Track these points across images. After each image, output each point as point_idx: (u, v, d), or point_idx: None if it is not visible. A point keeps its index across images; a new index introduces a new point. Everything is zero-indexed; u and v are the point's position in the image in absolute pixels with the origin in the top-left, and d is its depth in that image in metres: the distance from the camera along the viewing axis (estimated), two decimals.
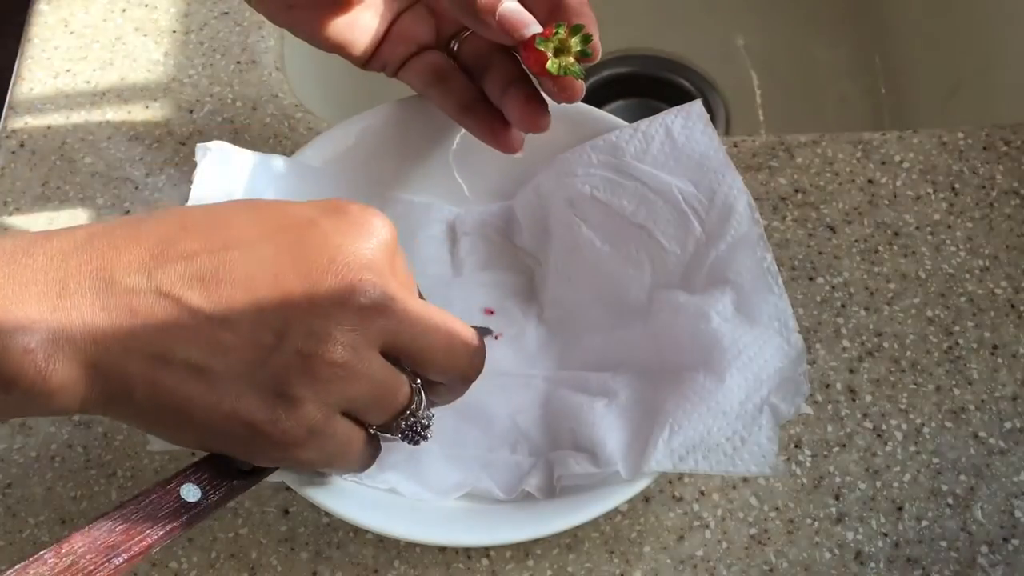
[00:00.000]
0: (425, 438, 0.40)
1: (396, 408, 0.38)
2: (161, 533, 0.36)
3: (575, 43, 0.44)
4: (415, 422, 0.39)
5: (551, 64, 0.44)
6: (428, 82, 0.50)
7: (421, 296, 0.41)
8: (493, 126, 0.49)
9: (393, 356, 0.37)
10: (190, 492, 0.37)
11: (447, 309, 0.54)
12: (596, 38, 0.44)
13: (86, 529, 0.34)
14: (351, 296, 0.35)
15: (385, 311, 0.36)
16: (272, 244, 0.35)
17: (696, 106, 0.51)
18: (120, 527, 0.35)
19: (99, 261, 0.33)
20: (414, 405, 0.39)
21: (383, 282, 0.36)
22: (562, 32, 0.43)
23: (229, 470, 0.39)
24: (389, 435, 0.40)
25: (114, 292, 0.33)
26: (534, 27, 0.43)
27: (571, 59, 0.44)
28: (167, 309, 0.33)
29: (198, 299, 0.34)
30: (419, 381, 0.39)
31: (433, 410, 0.41)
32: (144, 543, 0.35)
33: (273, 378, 0.35)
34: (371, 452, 0.40)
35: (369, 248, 0.37)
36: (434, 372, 0.39)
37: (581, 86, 0.45)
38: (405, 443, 0.40)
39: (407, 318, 0.37)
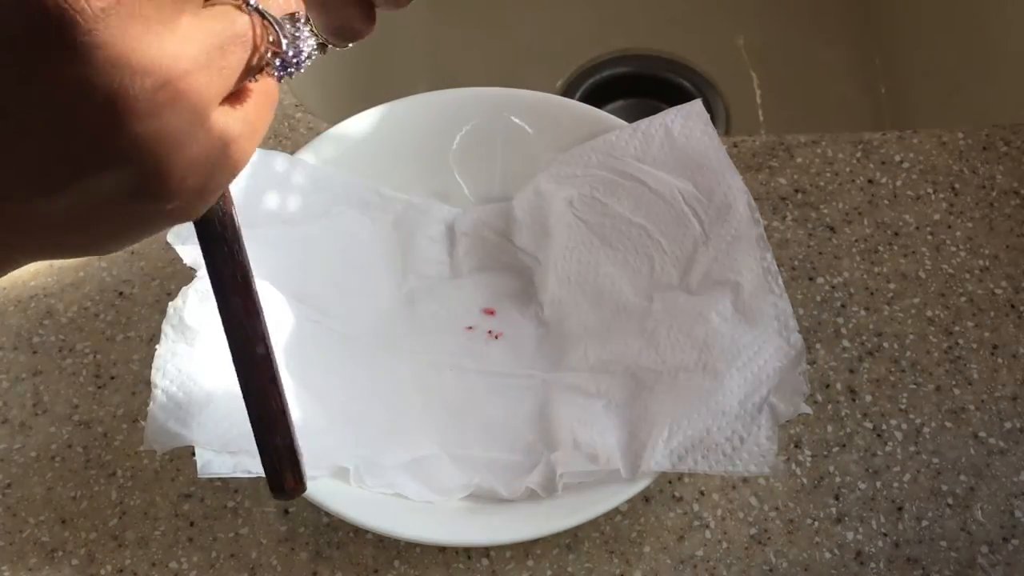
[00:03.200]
0: (310, 57, 0.30)
1: (250, 58, 0.27)
2: None
3: None
4: (284, 61, 0.29)
5: None
6: None
7: None
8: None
9: None
10: None
11: (446, 310, 0.54)
12: None
13: None
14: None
15: None
16: None
17: (696, 106, 0.51)
18: None
19: None
20: (269, 35, 0.28)
21: None
22: None
23: None
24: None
25: None
26: None
27: None
28: None
29: None
30: (251, 1, 0.27)
31: (297, 18, 0.29)
32: None
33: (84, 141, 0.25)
34: (272, 96, 0.30)
35: None
36: None
37: None
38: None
39: None
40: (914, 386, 0.51)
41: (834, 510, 0.48)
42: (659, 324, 0.49)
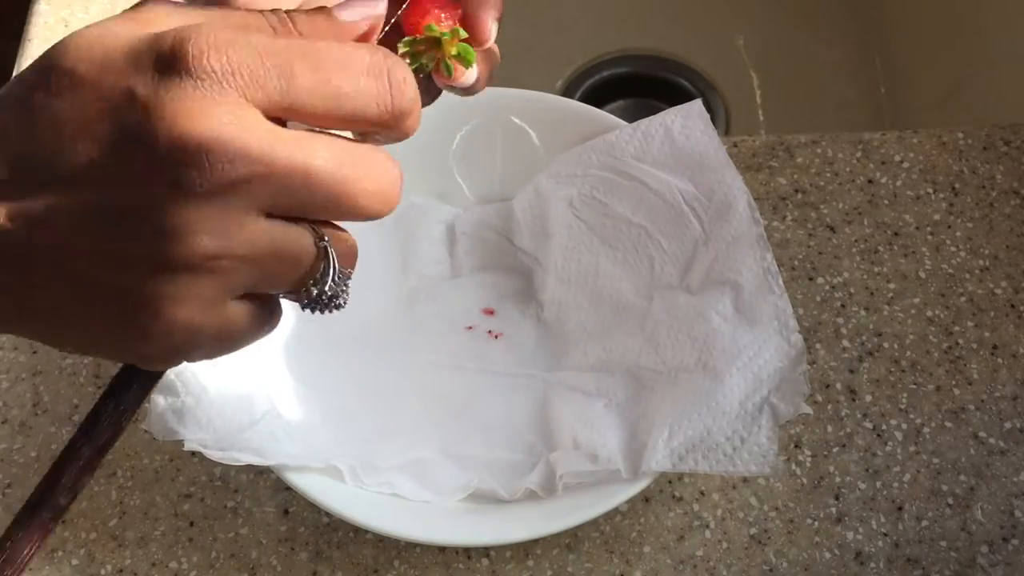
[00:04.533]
0: (339, 307, 0.32)
1: (297, 275, 0.31)
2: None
3: (452, 50, 0.35)
4: (319, 294, 0.32)
5: (404, 45, 0.35)
6: None
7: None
8: None
9: (279, 214, 0.30)
10: None
11: (446, 310, 0.54)
12: (472, 75, 0.36)
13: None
14: (194, 177, 0.27)
15: (246, 182, 0.28)
16: (92, 129, 0.28)
17: (696, 106, 0.51)
18: None
19: None
20: (320, 269, 0.31)
21: (234, 146, 0.28)
22: (445, 34, 0.35)
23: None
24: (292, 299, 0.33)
25: None
26: None
27: (432, 60, 0.36)
28: None
29: (4, 219, 0.28)
30: (327, 239, 0.31)
31: (348, 273, 0.32)
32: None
33: (132, 290, 0.29)
34: (268, 320, 0.33)
35: (202, 106, 0.27)
36: (336, 219, 0.32)
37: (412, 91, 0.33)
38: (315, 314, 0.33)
39: (278, 176, 0.29)
40: (914, 386, 0.51)
41: (834, 510, 0.48)
42: (659, 324, 0.49)
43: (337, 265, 0.32)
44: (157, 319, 0.29)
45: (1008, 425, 0.50)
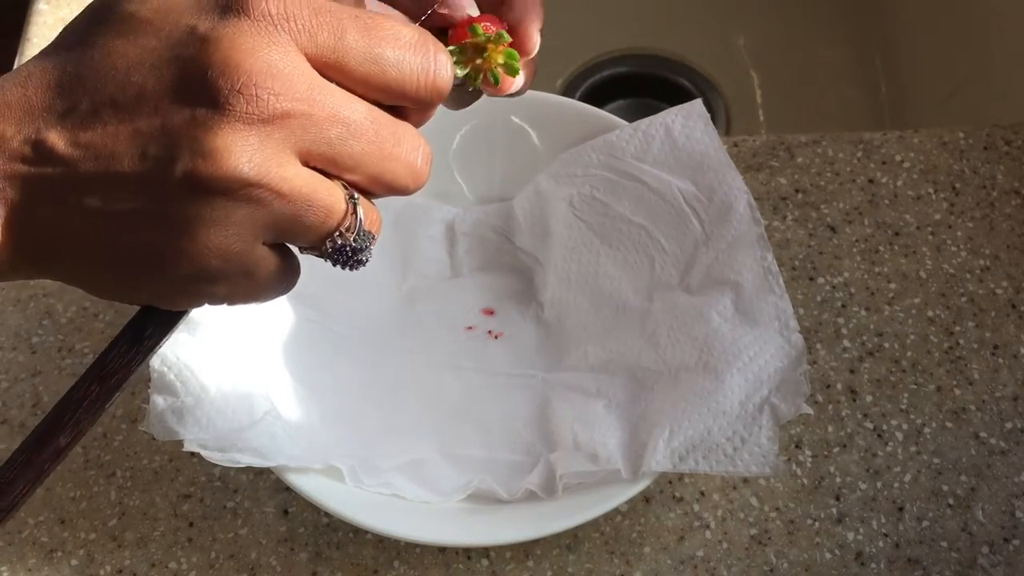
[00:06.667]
0: (360, 263, 0.34)
1: (324, 229, 0.32)
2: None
3: (498, 59, 0.37)
4: (343, 245, 0.33)
5: (455, 53, 0.37)
6: None
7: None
8: None
9: (314, 164, 0.32)
10: None
11: (445, 310, 0.54)
12: (519, 82, 0.39)
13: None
14: (241, 103, 0.29)
15: (288, 118, 0.30)
16: (148, 63, 0.30)
17: (696, 106, 0.51)
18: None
19: None
20: (347, 224, 0.32)
21: (281, 82, 0.30)
22: (488, 37, 0.37)
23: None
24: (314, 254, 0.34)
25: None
26: (465, 8, 0.38)
27: (479, 70, 0.37)
28: (41, 166, 0.30)
29: (65, 147, 0.30)
30: (356, 194, 0.33)
31: (372, 235, 0.34)
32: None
33: (171, 211, 0.30)
34: (289, 276, 0.35)
35: (255, 43, 0.30)
36: (367, 185, 0.33)
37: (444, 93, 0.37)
38: (337, 267, 0.34)
39: (320, 123, 0.31)
40: (915, 386, 0.51)
41: (835, 510, 0.48)
42: (659, 324, 0.49)
43: (363, 223, 0.33)
44: (193, 240, 0.30)
45: (1009, 425, 0.50)
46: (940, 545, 0.47)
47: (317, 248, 0.33)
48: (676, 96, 0.85)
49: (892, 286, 0.54)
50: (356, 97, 0.32)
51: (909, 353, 0.52)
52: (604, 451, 0.44)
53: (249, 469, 0.49)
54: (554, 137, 0.53)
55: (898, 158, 0.58)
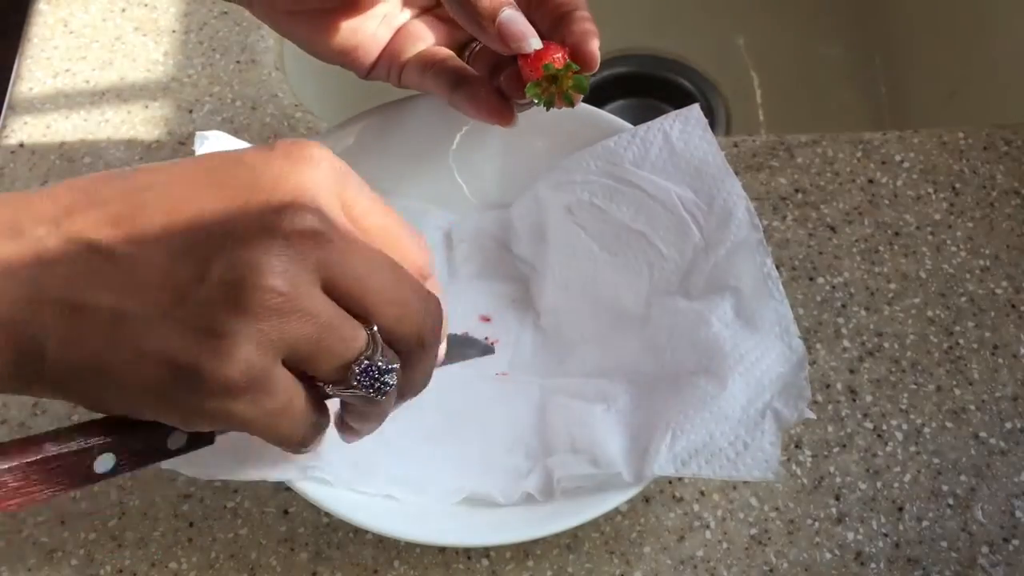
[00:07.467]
0: (388, 386, 0.34)
1: (348, 354, 0.33)
2: (51, 493, 0.33)
3: (568, 83, 0.44)
4: (370, 366, 0.34)
5: (530, 90, 0.44)
6: (422, 69, 0.48)
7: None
8: (487, 98, 0.47)
9: (335, 297, 0.33)
10: (104, 463, 0.34)
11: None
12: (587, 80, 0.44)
13: None
14: (281, 220, 0.31)
15: (321, 240, 0.32)
16: (194, 180, 0.32)
17: (694, 110, 0.51)
18: (17, 477, 0.33)
19: (9, 213, 0.31)
20: (370, 349, 0.34)
21: (320, 207, 0.32)
22: (560, 70, 0.43)
23: (153, 446, 0.35)
24: (343, 394, 0.35)
25: (20, 242, 0.31)
26: (533, 41, 0.43)
27: (554, 95, 0.44)
28: (75, 253, 0.31)
29: (109, 239, 0.31)
30: (375, 327, 0.34)
31: (394, 361, 0.35)
32: (33, 498, 0.33)
33: (198, 314, 0.31)
34: (317, 420, 0.36)
35: (306, 174, 0.33)
36: (380, 322, 0.34)
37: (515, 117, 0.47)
38: (365, 401, 0.35)
39: (348, 251, 0.33)
40: (914, 386, 0.51)
41: (834, 510, 0.48)
42: (659, 330, 0.48)
43: (384, 350, 0.34)
44: (218, 351, 0.31)
45: (1009, 425, 0.50)
46: (940, 545, 0.47)
47: (341, 379, 0.34)
48: (676, 96, 0.85)
49: (892, 286, 0.54)
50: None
51: (909, 353, 0.52)
52: (604, 455, 0.44)
53: None
54: (554, 136, 0.53)
55: (898, 158, 0.58)
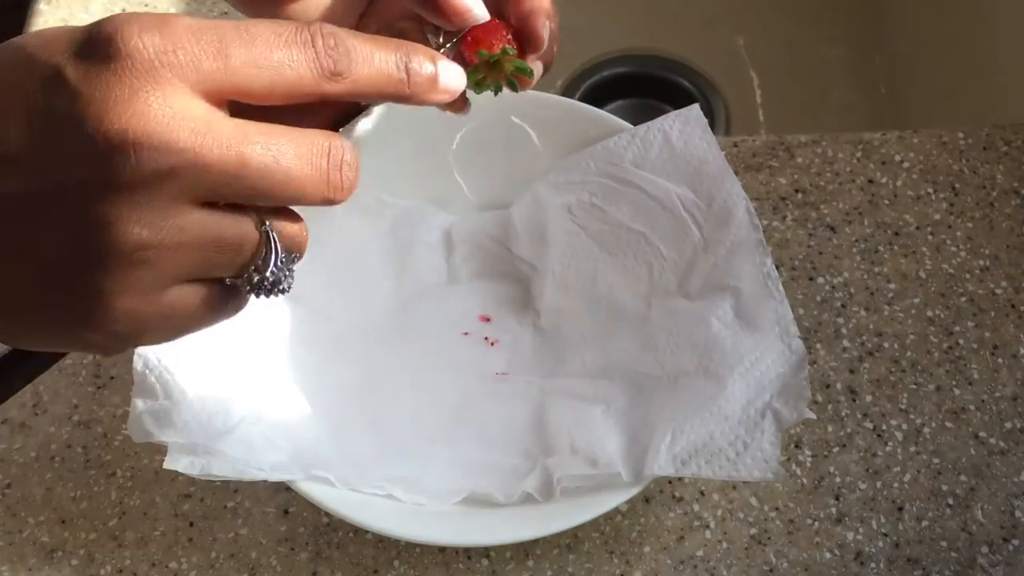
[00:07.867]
0: (282, 291, 0.32)
1: (239, 263, 0.31)
2: None
3: (510, 67, 0.39)
4: (261, 279, 0.31)
5: (470, 77, 0.39)
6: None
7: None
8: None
9: (216, 201, 0.30)
10: None
11: (441, 315, 0.54)
12: (537, 71, 0.40)
13: None
14: (121, 168, 0.27)
15: (173, 171, 0.28)
16: (23, 108, 0.28)
17: (694, 111, 0.51)
18: None
19: None
20: (262, 255, 0.31)
21: (160, 135, 0.27)
22: (496, 56, 0.39)
23: None
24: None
25: None
26: (477, 13, 0.38)
27: (494, 82, 0.40)
28: None
29: None
30: (267, 224, 0.31)
31: (294, 257, 0.32)
32: None
33: (73, 291, 0.28)
34: (231, 303, 0.33)
35: (142, 99, 0.27)
36: (280, 206, 0.31)
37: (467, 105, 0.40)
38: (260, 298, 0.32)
39: (209, 168, 0.28)
40: (914, 386, 0.51)
41: (834, 510, 0.48)
42: (659, 330, 0.48)
43: (280, 250, 0.31)
44: (97, 309, 0.29)
45: (1008, 425, 0.50)
46: (940, 545, 0.47)
47: (240, 281, 0.31)
48: (676, 96, 0.85)
49: (892, 286, 0.54)
50: (252, 123, 0.29)
51: (909, 353, 0.52)
52: (603, 455, 0.44)
53: None
54: (554, 137, 0.53)
55: (898, 158, 0.58)
